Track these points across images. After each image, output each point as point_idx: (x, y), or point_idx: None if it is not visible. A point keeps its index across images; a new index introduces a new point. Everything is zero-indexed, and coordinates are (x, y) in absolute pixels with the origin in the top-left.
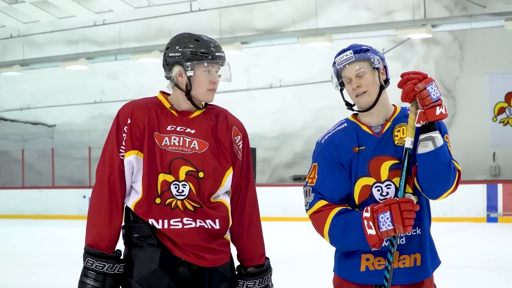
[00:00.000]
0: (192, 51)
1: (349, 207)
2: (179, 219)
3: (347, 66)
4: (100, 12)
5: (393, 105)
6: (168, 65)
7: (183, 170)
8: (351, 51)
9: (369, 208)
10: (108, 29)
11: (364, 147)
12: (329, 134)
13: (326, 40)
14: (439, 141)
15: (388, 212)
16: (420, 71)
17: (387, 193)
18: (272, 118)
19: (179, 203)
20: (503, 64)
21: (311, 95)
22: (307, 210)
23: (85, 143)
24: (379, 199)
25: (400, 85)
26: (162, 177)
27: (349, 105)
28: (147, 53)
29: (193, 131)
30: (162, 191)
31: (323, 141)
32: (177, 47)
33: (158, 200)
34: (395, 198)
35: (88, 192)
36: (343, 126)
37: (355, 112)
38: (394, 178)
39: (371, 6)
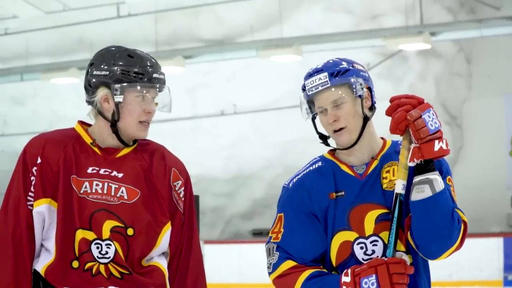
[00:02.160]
0: (123, 70)
1: (324, 270)
2: None
3: (320, 93)
4: (1, 19)
5: (382, 138)
6: (91, 86)
7: (108, 226)
8: (325, 73)
9: (349, 271)
10: (11, 40)
11: (343, 193)
12: (298, 176)
13: (294, 52)
14: (439, 185)
15: (374, 276)
16: (414, 94)
17: (373, 252)
18: (225, 155)
19: (102, 268)
20: None
21: (275, 125)
22: (270, 273)
23: None
24: (362, 259)
25: (388, 113)
26: (80, 234)
27: (324, 139)
28: (62, 71)
29: (120, 175)
30: (81, 253)
31: (291, 185)
32: (103, 64)
33: (75, 264)
34: (383, 258)
35: None
36: (316, 165)
37: (332, 148)
38: (382, 232)
39: (352, 9)
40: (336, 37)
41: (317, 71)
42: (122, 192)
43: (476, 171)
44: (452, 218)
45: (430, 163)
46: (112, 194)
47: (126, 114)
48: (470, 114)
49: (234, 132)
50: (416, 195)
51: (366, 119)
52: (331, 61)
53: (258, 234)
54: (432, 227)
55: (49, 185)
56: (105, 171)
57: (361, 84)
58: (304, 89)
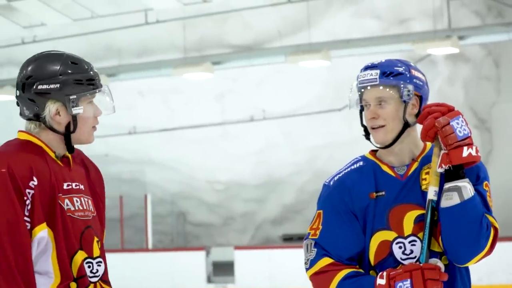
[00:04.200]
0: (76, 80)
1: (360, 270)
2: None
3: (367, 88)
4: (29, 27)
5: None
6: (35, 102)
7: (95, 243)
8: (378, 71)
9: (384, 274)
10: (40, 48)
11: (384, 193)
12: (340, 175)
13: (322, 57)
14: (468, 192)
15: (409, 280)
16: (443, 98)
17: (411, 251)
18: (254, 161)
19: (91, 287)
20: None
21: (304, 130)
22: (307, 269)
23: None
24: (400, 258)
25: (420, 120)
26: (80, 255)
27: (367, 133)
28: None
29: (82, 187)
30: (80, 275)
31: (332, 183)
32: (48, 77)
33: (73, 286)
34: (418, 263)
35: None
36: (358, 165)
37: (374, 148)
38: (421, 232)
39: (380, 14)
40: (364, 42)
41: (372, 67)
42: (90, 205)
43: (506, 175)
44: (481, 225)
45: (460, 170)
46: (89, 208)
47: (81, 124)
48: (499, 118)
49: (263, 138)
50: (445, 202)
51: (406, 125)
52: (388, 60)
53: (288, 240)
54: (459, 233)
55: (44, 207)
56: (76, 185)
57: (408, 91)
58: (357, 79)
